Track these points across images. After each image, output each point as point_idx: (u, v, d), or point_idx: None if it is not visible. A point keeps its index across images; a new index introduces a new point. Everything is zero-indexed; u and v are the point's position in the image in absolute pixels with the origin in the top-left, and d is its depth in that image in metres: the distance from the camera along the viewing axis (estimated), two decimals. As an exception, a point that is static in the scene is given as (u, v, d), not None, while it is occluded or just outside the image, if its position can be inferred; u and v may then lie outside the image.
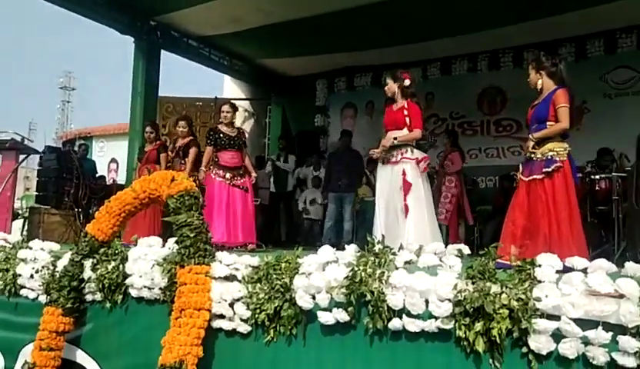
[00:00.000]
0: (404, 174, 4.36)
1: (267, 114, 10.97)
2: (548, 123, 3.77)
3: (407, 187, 4.34)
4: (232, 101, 6.36)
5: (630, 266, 2.43)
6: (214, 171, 5.66)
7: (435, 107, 9.07)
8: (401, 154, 4.44)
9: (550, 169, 3.60)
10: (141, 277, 3.50)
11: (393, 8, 7.04)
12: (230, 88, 11.18)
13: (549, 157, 3.67)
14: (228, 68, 10.20)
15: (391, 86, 4.65)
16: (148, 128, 6.84)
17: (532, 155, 3.75)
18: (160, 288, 3.44)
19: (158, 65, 8.61)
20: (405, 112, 4.54)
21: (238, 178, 5.65)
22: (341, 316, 2.84)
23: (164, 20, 8.29)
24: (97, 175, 8.98)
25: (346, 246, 3.15)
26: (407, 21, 7.45)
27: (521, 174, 3.80)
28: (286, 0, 7.19)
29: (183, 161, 6.26)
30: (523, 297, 2.45)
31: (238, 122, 6.93)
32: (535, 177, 3.69)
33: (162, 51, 8.66)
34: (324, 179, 7.75)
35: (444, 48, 8.56)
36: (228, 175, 5.60)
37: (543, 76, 3.92)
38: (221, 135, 5.70)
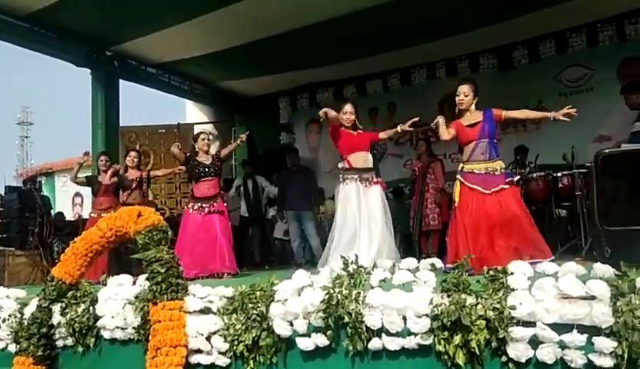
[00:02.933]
0: (380, 195, 4.62)
1: (232, 136, 10.91)
2: (495, 139, 4.18)
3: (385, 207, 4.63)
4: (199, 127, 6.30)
5: (598, 267, 2.47)
6: (191, 205, 5.54)
7: (398, 116, 9.16)
8: (374, 176, 4.68)
9: (513, 180, 4.09)
10: (113, 317, 3.41)
11: (349, 24, 7.13)
12: (192, 112, 11.09)
13: (503, 171, 4.07)
14: (189, 93, 10.14)
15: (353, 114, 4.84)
16: (103, 158, 6.63)
17: (493, 171, 4.06)
18: (133, 328, 3.34)
19: (117, 95, 8.50)
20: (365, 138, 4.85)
21: (215, 204, 5.52)
22: (321, 340, 2.81)
23: (120, 50, 8.21)
24: (55, 212, 8.71)
25: (320, 268, 3.16)
26: (364, 35, 7.53)
27: (475, 187, 3.96)
28: (242, 24, 7.20)
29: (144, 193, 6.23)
30: (498, 306, 2.46)
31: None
32: (503, 186, 3.96)
33: (121, 81, 8.56)
34: (277, 199, 7.73)
35: (403, 59, 8.69)
36: (205, 205, 5.48)
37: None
38: (199, 166, 5.56)
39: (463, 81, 4.43)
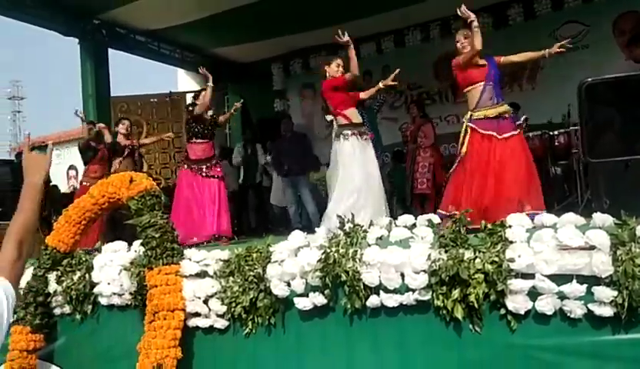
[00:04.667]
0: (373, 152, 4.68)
1: (225, 104, 10.77)
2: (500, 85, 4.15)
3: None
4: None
5: (598, 216, 2.45)
6: (186, 165, 5.48)
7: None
8: (367, 131, 4.74)
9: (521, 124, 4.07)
10: (109, 284, 3.39)
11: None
12: (184, 80, 10.92)
13: (511, 114, 4.04)
14: (180, 61, 9.97)
15: None
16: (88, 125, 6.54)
17: (503, 114, 4.02)
18: (130, 293, 3.33)
19: (107, 65, 8.34)
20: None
21: (212, 168, 5.45)
22: (319, 300, 2.80)
23: (107, 17, 8.01)
24: (50, 184, 8.66)
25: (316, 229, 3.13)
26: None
27: (490, 133, 3.89)
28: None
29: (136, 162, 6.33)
30: (497, 259, 2.45)
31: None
32: (513, 133, 3.95)
33: (111, 51, 8.40)
34: (273, 166, 7.70)
35: (396, 20, 8.53)
36: (200, 167, 5.40)
37: None
38: (200, 122, 5.44)
39: (458, 30, 4.60)
